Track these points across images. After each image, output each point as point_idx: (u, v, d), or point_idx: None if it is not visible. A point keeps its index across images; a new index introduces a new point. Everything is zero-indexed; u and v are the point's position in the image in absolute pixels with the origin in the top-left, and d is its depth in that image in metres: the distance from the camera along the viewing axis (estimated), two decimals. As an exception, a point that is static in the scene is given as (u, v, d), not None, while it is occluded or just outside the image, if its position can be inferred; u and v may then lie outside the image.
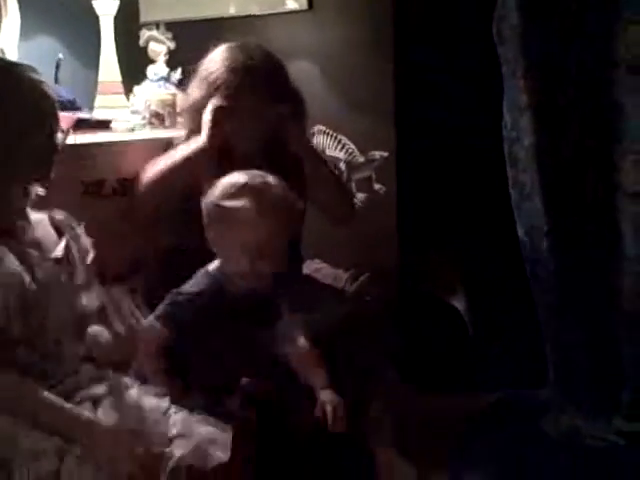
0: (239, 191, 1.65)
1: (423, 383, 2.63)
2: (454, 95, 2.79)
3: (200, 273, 1.74)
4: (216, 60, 2.02)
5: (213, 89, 1.98)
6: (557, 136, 2.20)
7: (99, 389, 1.43)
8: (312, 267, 2.46)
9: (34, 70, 1.42)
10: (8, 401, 1.32)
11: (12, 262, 1.35)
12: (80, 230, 1.53)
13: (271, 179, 1.69)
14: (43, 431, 1.30)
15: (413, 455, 2.01)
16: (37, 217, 1.47)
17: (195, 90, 2.03)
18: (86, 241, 1.53)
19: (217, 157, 1.99)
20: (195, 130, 2.02)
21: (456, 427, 2.35)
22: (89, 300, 1.50)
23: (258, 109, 1.98)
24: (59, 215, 1.51)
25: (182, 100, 2.11)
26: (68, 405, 1.35)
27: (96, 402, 1.40)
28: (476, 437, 2.31)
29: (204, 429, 1.43)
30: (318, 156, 2.13)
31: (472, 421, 2.40)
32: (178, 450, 1.36)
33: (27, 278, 1.36)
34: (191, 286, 1.72)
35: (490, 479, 2.04)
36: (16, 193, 1.42)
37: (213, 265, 1.74)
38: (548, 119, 2.20)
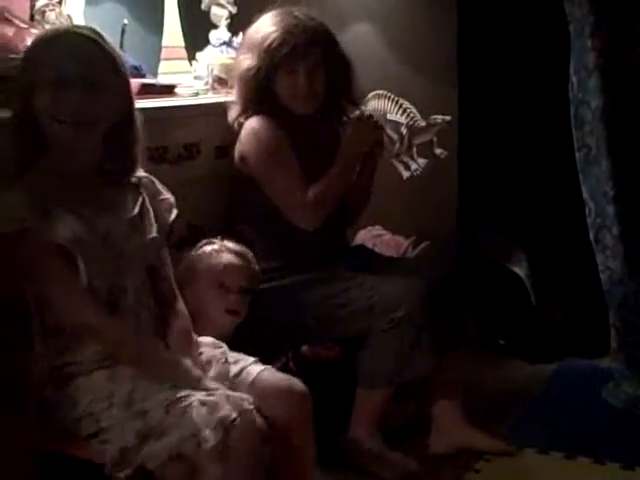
0: None
1: (485, 351, 2.63)
2: (519, 57, 2.73)
3: None
4: (268, 25, 2.02)
5: (266, 53, 1.99)
6: (625, 97, 2.14)
7: None
8: (373, 233, 2.47)
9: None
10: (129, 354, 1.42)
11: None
12: (158, 183, 1.59)
13: None
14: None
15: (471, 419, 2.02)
16: None
17: (247, 56, 2.04)
18: (168, 195, 1.59)
19: (276, 120, 2.00)
20: (248, 98, 2.03)
21: (518, 395, 2.34)
22: (161, 258, 1.56)
23: (313, 70, 1.99)
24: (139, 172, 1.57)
25: (234, 67, 2.11)
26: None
27: None
28: (537, 406, 2.30)
29: None
30: None
31: (534, 389, 2.39)
32: None
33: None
34: None
35: (550, 447, 2.03)
36: None
37: None
38: (616, 79, 2.14)
